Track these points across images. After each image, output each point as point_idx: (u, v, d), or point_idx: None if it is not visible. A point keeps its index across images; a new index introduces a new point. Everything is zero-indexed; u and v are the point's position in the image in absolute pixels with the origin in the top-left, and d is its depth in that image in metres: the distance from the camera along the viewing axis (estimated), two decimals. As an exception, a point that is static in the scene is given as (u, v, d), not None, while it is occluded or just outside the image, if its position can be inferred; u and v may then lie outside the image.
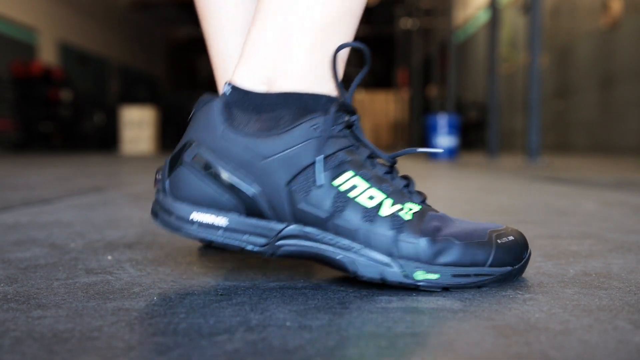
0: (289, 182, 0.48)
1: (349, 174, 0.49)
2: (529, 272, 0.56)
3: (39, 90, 7.76)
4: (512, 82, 8.06)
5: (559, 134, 6.98)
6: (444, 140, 5.20)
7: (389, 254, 0.48)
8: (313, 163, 0.48)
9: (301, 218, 0.48)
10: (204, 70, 14.85)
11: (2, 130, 7.24)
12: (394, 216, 0.48)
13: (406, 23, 11.03)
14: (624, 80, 5.50)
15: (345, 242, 0.48)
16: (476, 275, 0.49)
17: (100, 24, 10.62)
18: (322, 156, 0.48)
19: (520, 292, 0.49)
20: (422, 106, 11.03)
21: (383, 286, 0.50)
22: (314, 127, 0.48)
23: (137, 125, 7.82)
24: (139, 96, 10.98)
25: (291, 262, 0.61)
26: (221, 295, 0.48)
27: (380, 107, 15.24)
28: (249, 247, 0.48)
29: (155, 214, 0.50)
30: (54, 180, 2.01)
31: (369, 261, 0.47)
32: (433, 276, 0.48)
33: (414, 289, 0.49)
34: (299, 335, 0.37)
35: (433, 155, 4.78)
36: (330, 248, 0.48)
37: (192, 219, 0.48)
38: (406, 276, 0.47)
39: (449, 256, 0.48)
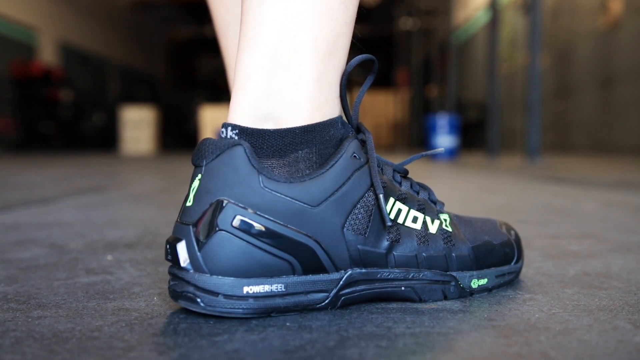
0: (344, 225, 0.43)
1: (391, 200, 0.46)
2: (529, 272, 0.56)
3: (39, 90, 7.76)
4: (512, 82, 8.06)
5: (559, 134, 6.98)
6: (444, 140, 5.20)
7: (445, 270, 0.47)
8: (362, 197, 0.44)
9: (360, 260, 0.44)
10: (204, 70, 14.86)
11: (2, 130, 7.24)
12: (440, 231, 0.47)
13: (406, 23, 11.03)
14: (623, 80, 5.50)
15: (400, 274, 0.45)
16: (509, 273, 0.50)
17: (100, 24, 10.62)
18: (382, 192, 0.44)
19: (520, 292, 0.49)
20: (422, 106, 11.03)
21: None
22: (354, 155, 0.44)
23: (137, 125, 7.83)
24: (139, 96, 10.98)
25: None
26: (221, 295, 0.48)
27: (380, 107, 15.23)
28: (308, 308, 0.42)
29: (188, 298, 0.40)
30: (54, 180, 2.01)
31: (428, 285, 0.46)
32: (483, 281, 0.48)
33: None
34: (299, 335, 0.37)
35: (434, 156, 4.78)
36: (390, 284, 0.45)
37: (246, 293, 0.40)
38: (463, 288, 0.47)
39: (491, 258, 0.49)
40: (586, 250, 0.68)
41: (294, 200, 0.41)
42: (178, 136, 10.12)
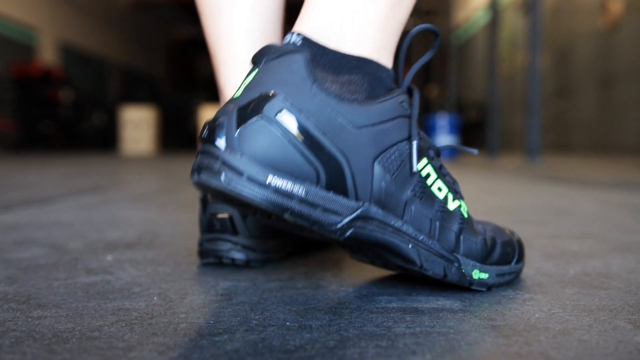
0: (376, 157, 0.44)
1: (424, 160, 0.47)
2: (529, 272, 0.56)
3: (39, 90, 7.76)
4: (512, 82, 8.06)
5: (559, 134, 6.98)
6: (444, 140, 5.19)
7: (452, 250, 0.47)
8: (400, 142, 0.45)
9: (380, 199, 0.44)
10: (204, 70, 14.85)
11: (2, 130, 7.24)
12: (458, 212, 0.48)
13: (406, 23, 11.02)
14: (623, 80, 5.50)
15: (412, 231, 0.45)
16: (509, 273, 0.51)
17: (100, 24, 10.62)
18: (417, 140, 0.45)
19: (520, 292, 0.49)
20: (422, 106, 11.03)
21: (383, 286, 0.50)
22: (402, 103, 0.46)
23: (137, 125, 7.83)
24: (139, 96, 10.98)
25: (291, 262, 0.61)
26: (221, 295, 0.48)
27: (380, 107, 15.20)
28: (316, 227, 0.41)
29: (211, 171, 0.40)
30: (54, 180, 2.01)
31: (433, 256, 0.45)
32: (484, 275, 0.48)
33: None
34: (299, 335, 0.37)
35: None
36: (399, 237, 0.44)
37: (268, 183, 0.40)
38: (464, 274, 0.47)
39: (495, 256, 0.49)
40: (586, 250, 0.68)
41: (338, 115, 0.42)
42: (178, 136, 10.12)
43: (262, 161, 0.40)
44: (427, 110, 9.83)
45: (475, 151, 0.53)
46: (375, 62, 0.46)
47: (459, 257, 0.47)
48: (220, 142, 0.41)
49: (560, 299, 0.46)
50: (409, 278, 0.53)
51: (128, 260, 0.62)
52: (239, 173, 0.40)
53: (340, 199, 0.42)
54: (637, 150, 5.10)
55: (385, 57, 0.47)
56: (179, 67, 14.89)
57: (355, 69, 0.45)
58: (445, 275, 0.46)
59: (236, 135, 0.40)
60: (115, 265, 0.59)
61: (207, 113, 7.12)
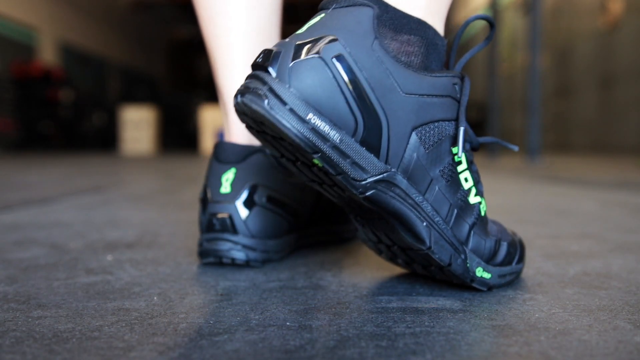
0: (415, 127, 0.44)
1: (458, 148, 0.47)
2: (529, 272, 0.56)
3: (39, 90, 7.76)
4: (512, 82, 8.06)
5: (559, 134, 6.98)
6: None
7: (462, 242, 0.47)
8: (442, 120, 0.45)
9: (407, 169, 0.44)
10: (204, 70, 14.84)
11: (2, 130, 7.24)
12: (477, 207, 0.48)
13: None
14: (623, 80, 5.50)
15: (430, 210, 0.45)
16: (510, 274, 0.50)
17: (100, 24, 10.62)
18: (465, 125, 0.46)
19: (520, 292, 0.49)
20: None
21: (383, 286, 0.50)
22: (455, 85, 0.46)
23: (137, 125, 7.82)
24: (139, 96, 10.98)
25: (291, 262, 0.61)
26: (221, 295, 0.48)
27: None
28: (340, 178, 0.41)
29: (256, 93, 0.40)
30: (54, 180, 2.01)
31: (443, 241, 0.45)
32: (487, 275, 0.48)
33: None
34: (299, 335, 0.37)
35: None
36: (416, 212, 0.44)
37: (308, 119, 0.40)
38: (468, 269, 0.47)
39: (499, 257, 0.49)
40: (586, 250, 0.68)
41: (391, 76, 0.42)
42: (178, 136, 10.11)
43: (308, 98, 0.40)
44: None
45: (515, 148, 0.53)
46: (433, 28, 0.46)
47: (467, 250, 0.47)
48: (272, 70, 0.41)
49: (560, 299, 0.46)
50: (409, 278, 0.54)
51: (128, 260, 0.62)
52: (283, 102, 0.40)
53: (372, 157, 0.42)
54: (637, 150, 5.10)
55: (438, 26, 0.48)
56: (179, 67, 14.88)
57: (415, 30, 0.45)
58: (449, 264, 0.46)
59: (289, 66, 0.41)
60: (115, 265, 0.59)
61: (207, 113, 7.12)
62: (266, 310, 0.43)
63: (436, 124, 0.45)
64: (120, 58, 11.53)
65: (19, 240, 0.75)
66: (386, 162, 0.43)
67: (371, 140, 0.42)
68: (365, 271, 0.57)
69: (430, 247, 0.45)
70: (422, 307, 0.44)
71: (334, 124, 0.41)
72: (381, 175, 0.42)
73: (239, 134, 0.62)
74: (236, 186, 0.58)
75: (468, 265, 0.47)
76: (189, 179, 2.17)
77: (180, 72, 14.96)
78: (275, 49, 0.42)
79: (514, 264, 0.51)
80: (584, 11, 6.36)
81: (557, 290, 0.49)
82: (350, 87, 0.41)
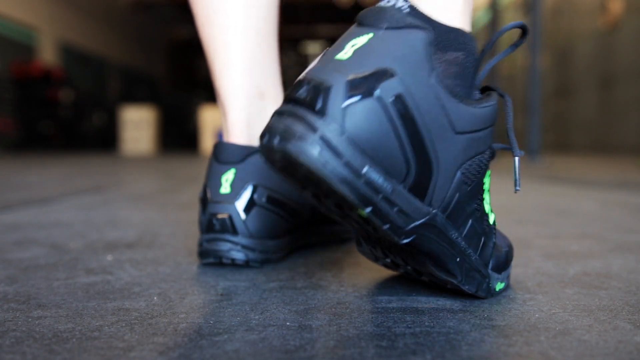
0: (461, 165, 0.40)
1: (488, 172, 0.44)
2: (529, 272, 0.56)
3: (39, 90, 7.76)
4: (512, 82, 8.06)
5: (559, 134, 6.98)
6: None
7: (486, 264, 0.45)
8: (483, 152, 0.42)
9: (448, 207, 0.41)
10: (204, 70, 14.83)
11: (2, 130, 7.24)
12: (494, 225, 0.46)
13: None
14: (623, 80, 5.50)
15: (464, 245, 0.42)
16: (507, 277, 0.50)
17: (100, 24, 10.62)
18: (521, 154, 0.42)
19: (520, 292, 0.49)
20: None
21: (383, 286, 0.50)
22: (496, 112, 0.42)
23: (137, 125, 7.83)
24: (139, 96, 10.98)
25: (291, 262, 0.61)
26: (221, 295, 0.48)
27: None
28: (386, 228, 0.38)
29: (304, 140, 0.35)
30: (54, 180, 2.01)
31: (473, 271, 0.44)
32: (502, 285, 0.47)
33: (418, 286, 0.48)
34: (299, 335, 0.37)
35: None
36: (450, 250, 0.41)
37: (364, 173, 0.36)
38: (490, 289, 0.46)
39: (506, 263, 0.49)
40: (586, 250, 0.68)
41: (446, 115, 0.38)
42: (178, 136, 10.12)
43: (364, 147, 0.35)
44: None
45: (521, 153, 0.51)
46: (469, 35, 0.41)
47: (489, 271, 0.45)
48: (321, 110, 0.35)
49: (560, 299, 0.46)
50: (409, 278, 0.53)
51: (128, 260, 0.62)
52: (338, 155, 0.35)
53: (417, 202, 0.39)
54: (637, 150, 5.10)
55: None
56: (179, 67, 14.88)
57: (459, 44, 0.40)
58: (476, 291, 0.45)
59: (342, 107, 0.35)
60: (115, 265, 0.59)
61: (207, 113, 7.12)
62: (266, 310, 0.43)
63: (478, 157, 0.42)
64: (120, 58, 11.53)
65: (19, 240, 0.75)
66: (430, 205, 0.40)
67: (420, 185, 0.38)
68: (365, 271, 0.57)
69: (461, 280, 0.43)
70: (422, 307, 0.44)
71: (387, 172, 0.37)
72: (424, 219, 0.39)
73: (238, 135, 0.62)
74: (236, 186, 0.58)
75: (490, 285, 0.46)
76: (189, 179, 2.17)
77: (180, 72, 14.96)
78: (324, 83, 0.36)
79: (508, 267, 0.50)
80: (584, 11, 6.36)
81: (557, 290, 0.49)
82: (408, 131, 0.37)
